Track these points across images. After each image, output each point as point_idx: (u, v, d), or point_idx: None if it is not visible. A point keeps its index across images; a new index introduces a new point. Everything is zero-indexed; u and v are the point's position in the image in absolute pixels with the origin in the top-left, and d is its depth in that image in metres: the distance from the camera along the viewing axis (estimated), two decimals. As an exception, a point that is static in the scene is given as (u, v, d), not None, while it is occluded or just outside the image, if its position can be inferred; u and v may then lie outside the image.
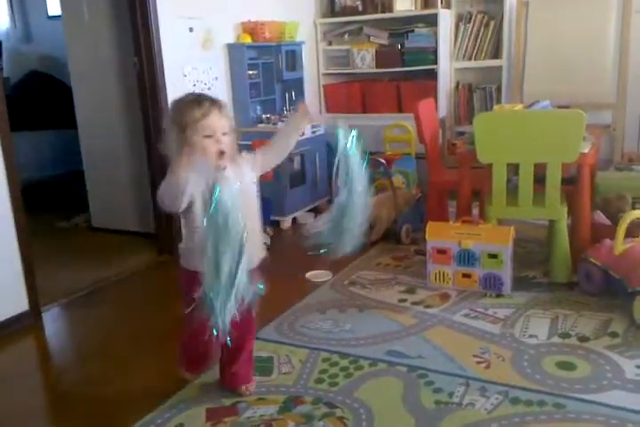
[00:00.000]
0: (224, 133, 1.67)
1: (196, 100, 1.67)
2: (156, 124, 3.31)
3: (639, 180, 3.16)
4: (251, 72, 3.87)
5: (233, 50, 3.81)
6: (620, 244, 2.48)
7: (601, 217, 2.94)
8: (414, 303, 2.64)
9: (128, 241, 3.74)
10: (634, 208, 2.62)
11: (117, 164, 3.80)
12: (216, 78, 3.75)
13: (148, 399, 1.97)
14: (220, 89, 3.78)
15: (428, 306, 2.60)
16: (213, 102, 1.67)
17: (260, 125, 3.88)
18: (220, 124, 1.66)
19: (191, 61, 3.54)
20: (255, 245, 1.74)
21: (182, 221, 1.80)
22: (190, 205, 1.68)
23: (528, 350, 2.16)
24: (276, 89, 4.09)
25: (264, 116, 3.94)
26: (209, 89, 3.68)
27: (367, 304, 2.66)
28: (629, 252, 2.45)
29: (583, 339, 2.24)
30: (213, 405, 1.94)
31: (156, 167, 3.41)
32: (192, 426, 1.83)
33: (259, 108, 4.02)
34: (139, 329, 2.57)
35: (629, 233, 2.50)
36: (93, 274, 3.21)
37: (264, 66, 3.97)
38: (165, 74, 3.35)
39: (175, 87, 3.39)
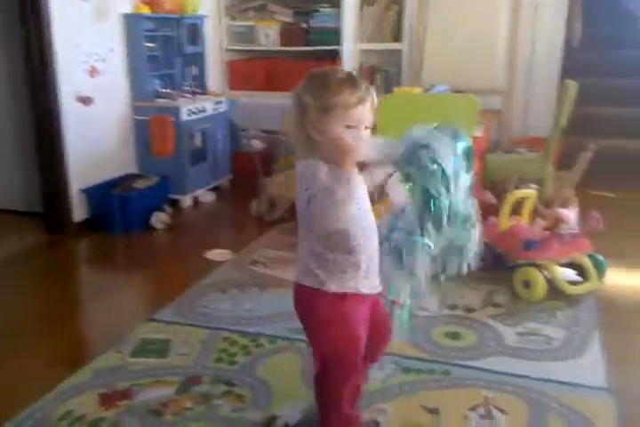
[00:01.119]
0: (366, 127, 1.32)
1: (350, 80, 1.30)
2: (44, 96, 3.11)
3: (524, 162, 3.36)
4: (149, 45, 3.70)
5: (130, 21, 3.61)
6: (505, 221, 2.63)
7: (490, 197, 3.10)
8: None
9: (13, 221, 3.50)
10: (518, 188, 2.78)
11: None
12: (112, 50, 3.55)
13: (34, 386, 1.87)
14: (116, 61, 3.59)
15: (328, 283, 2.63)
16: (368, 87, 1.32)
17: (158, 100, 3.73)
18: (368, 116, 1.31)
19: (84, 32, 3.33)
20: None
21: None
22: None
23: (420, 322, 2.25)
24: (176, 63, 3.94)
25: (163, 90, 3.79)
26: (103, 61, 3.48)
27: (268, 283, 2.66)
28: (512, 229, 2.60)
29: (469, 310, 2.37)
30: (106, 390, 1.87)
31: (43, 143, 3.21)
32: (83, 412, 1.76)
33: (157, 82, 3.86)
34: (27, 312, 2.43)
35: (513, 211, 2.66)
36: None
37: (164, 39, 3.81)
38: (56, 44, 3.13)
39: (66, 59, 3.19)
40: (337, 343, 1.41)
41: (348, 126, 1.28)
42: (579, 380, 1.89)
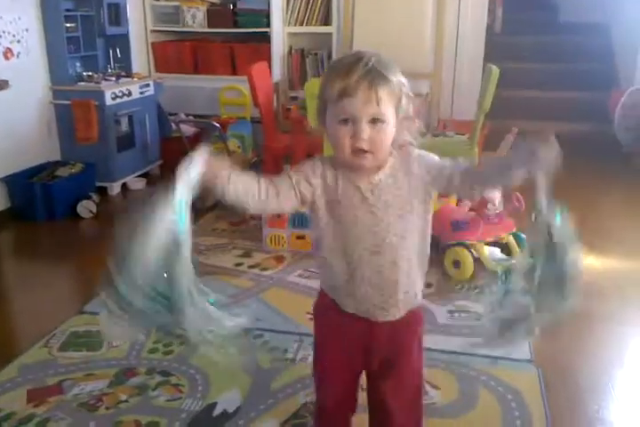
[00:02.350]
0: (373, 121, 1.09)
1: (349, 66, 1.09)
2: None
3: (451, 145, 3.45)
4: (68, 25, 3.52)
5: (45, -1, 3.43)
6: (434, 204, 2.70)
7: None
8: (251, 267, 2.66)
9: None
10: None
11: None
12: (26, 30, 3.35)
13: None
14: (32, 42, 3.39)
15: (264, 269, 2.64)
16: (368, 72, 1.07)
17: (80, 84, 3.56)
18: (365, 108, 1.07)
19: (-5, 10, 3.13)
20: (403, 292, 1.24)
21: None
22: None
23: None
24: (98, 45, 3.78)
25: (85, 73, 3.63)
26: (18, 42, 3.29)
27: (204, 270, 2.60)
28: (441, 210, 2.68)
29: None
30: (35, 385, 1.80)
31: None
32: (12, 410, 1.69)
33: (78, 64, 3.69)
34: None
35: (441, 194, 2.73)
36: None
37: (84, 19, 3.63)
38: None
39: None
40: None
41: (342, 121, 1.09)
42: (505, 353, 1.98)
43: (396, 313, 1.23)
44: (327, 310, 1.29)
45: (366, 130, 1.09)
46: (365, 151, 1.11)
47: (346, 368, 1.30)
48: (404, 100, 1.12)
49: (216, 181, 1.10)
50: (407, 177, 1.18)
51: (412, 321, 1.28)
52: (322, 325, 1.33)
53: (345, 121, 1.09)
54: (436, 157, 1.20)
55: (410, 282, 1.24)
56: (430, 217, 1.27)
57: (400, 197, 1.18)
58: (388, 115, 1.10)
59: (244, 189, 1.14)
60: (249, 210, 1.17)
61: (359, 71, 1.07)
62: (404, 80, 1.13)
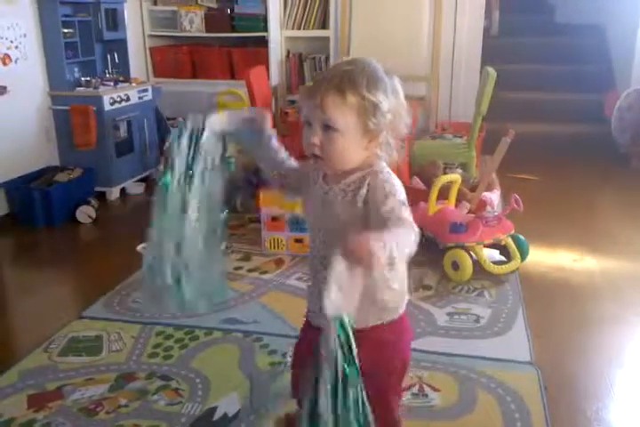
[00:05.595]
0: (326, 127, 1.10)
1: (327, 71, 1.15)
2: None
3: (450, 147, 3.46)
4: (66, 30, 3.53)
5: (43, 5, 3.43)
6: (433, 206, 2.71)
7: (418, 182, 3.18)
8: (250, 270, 2.66)
9: None
10: (445, 173, 2.87)
11: None
12: (24, 36, 3.37)
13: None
14: (30, 48, 3.41)
15: (263, 272, 2.64)
16: (333, 79, 1.08)
17: (78, 89, 3.57)
18: (315, 112, 1.09)
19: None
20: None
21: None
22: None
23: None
24: (96, 50, 3.78)
25: (83, 79, 3.64)
26: (16, 47, 3.30)
27: (202, 274, 2.62)
28: (440, 213, 2.69)
29: (403, 293, 2.43)
30: (35, 391, 1.80)
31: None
32: (12, 415, 1.69)
33: (76, 69, 3.69)
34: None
35: (441, 196, 2.74)
36: None
37: (81, 24, 3.64)
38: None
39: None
40: None
41: (305, 122, 1.13)
42: (505, 355, 1.99)
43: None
44: None
45: (318, 134, 1.10)
46: (318, 156, 1.13)
47: None
48: (376, 120, 1.09)
49: (264, 126, 1.22)
50: (355, 197, 1.14)
51: None
52: None
53: (307, 123, 1.12)
54: (391, 193, 1.11)
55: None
56: None
57: (343, 211, 1.16)
58: (343, 125, 1.08)
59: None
60: (268, 167, 1.31)
61: (328, 77, 1.10)
62: (383, 100, 1.09)
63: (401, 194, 1.12)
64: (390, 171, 1.17)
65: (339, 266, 0.96)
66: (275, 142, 1.28)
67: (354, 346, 0.97)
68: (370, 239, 0.95)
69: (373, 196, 1.12)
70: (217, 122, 1.18)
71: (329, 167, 1.16)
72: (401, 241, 0.99)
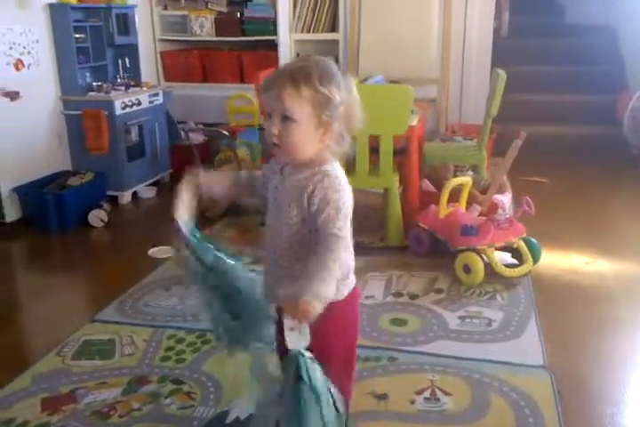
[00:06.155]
0: (285, 118, 1.15)
1: (282, 67, 1.22)
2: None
3: (461, 149, 3.45)
4: (78, 35, 3.56)
5: (55, 10, 3.47)
6: (444, 208, 2.70)
7: (428, 185, 3.17)
8: (260, 274, 2.66)
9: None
10: (455, 176, 2.86)
11: None
12: (37, 41, 3.40)
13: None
14: (43, 53, 3.44)
15: (274, 276, 2.64)
16: (288, 73, 1.15)
17: (90, 94, 3.60)
18: (275, 104, 1.15)
19: (6, 23, 3.17)
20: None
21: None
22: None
23: (366, 311, 2.29)
24: (107, 55, 3.81)
25: (95, 83, 3.67)
26: (29, 53, 3.34)
27: (213, 278, 2.63)
28: (451, 215, 2.68)
29: (413, 296, 2.43)
30: (49, 394, 1.81)
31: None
32: (26, 419, 1.70)
33: (88, 74, 3.72)
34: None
35: (452, 198, 2.73)
36: None
37: (93, 29, 3.67)
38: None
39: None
40: None
41: (267, 114, 1.18)
42: (518, 359, 1.97)
43: None
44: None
45: (276, 125, 1.16)
46: (277, 145, 1.19)
47: None
48: (329, 112, 1.15)
49: (213, 192, 1.30)
50: (303, 194, 1.19)
51: None
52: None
53: (268, 115, 1.18)
54: (331, 200, 1.16)
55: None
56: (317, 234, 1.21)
57: (288, 203, 1.22)
58: (299, 116, 1.14)
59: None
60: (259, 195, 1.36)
61: (284, 71, 1.17)
62: (336, 93, 1.15)
63: (339, 200, 1.17)
64: (340, 173, 1.22)
65: (286, 318, 1.10)
66: (243, 177, 1.39)
67: (313, 377, 1.15)
68: (299, 302, 1.07)
69: (316, 199, 1.18)
70: (184, 216, 1.31)
71: (286, 156, 1.22)
72: (330, 273, 1.12)
